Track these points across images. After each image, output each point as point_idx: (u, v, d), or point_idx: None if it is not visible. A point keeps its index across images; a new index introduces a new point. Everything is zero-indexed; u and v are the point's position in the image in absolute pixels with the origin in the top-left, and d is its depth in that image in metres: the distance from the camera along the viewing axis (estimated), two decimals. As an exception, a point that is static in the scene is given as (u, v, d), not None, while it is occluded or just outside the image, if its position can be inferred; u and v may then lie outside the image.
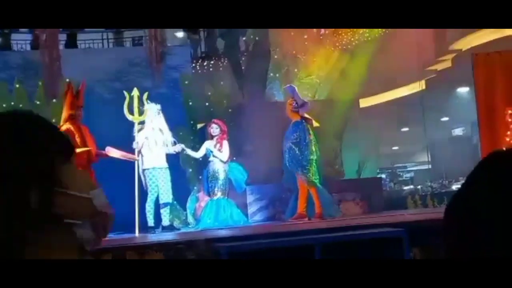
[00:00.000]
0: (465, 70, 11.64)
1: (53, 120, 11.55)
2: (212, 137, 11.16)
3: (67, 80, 11.48)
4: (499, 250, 0.82)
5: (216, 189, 10.97)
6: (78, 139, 9.33)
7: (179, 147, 10.69)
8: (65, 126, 9.41)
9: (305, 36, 14.84)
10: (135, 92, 10.34)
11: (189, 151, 11.13)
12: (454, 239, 0.90)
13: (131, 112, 10.27)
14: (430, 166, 20.89)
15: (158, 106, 10.54)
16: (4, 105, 11.94)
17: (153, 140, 10.33)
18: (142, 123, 10.39)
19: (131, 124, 10.32)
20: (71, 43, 14.79)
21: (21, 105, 12.22)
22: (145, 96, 10.43)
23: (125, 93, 10.33)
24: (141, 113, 10.36)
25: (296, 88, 11.22)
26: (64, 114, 9.50)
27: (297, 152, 10.63)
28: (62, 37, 14.35)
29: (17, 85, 12.50)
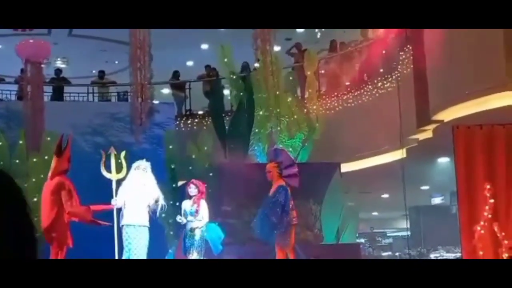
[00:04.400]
0: (446, 141, 11.74)
1: (41, 176, 11.37)
2: (190, 197, 11.04)
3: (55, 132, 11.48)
4: None
5: (192, 249, 10.84)
6: (75, 193, 9.40)
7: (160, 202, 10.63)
8: (58, 179, 9.41)
9: (289, 99, 14.97)
10: (112, 151, 10.37)
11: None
12: None
13: (108, 169, 10.25)
14: (409, 233, 20.88)
15: (148, 163, 10.41)
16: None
17: (133, 197, 10.17)
18: (122, 179, 10.33)
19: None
20: (57, 95, 14.79)
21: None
22: (122, 154, 10.40)
23: (102, 152, 10.38)
24: (119, 170, 10.32)
25: (284, 150, 11.31)
26: (59, 167, 9.45)
27: (273, 218, 10.46)
28: (48, 89, 14.37)
29: (-1, 135, 12.40)
